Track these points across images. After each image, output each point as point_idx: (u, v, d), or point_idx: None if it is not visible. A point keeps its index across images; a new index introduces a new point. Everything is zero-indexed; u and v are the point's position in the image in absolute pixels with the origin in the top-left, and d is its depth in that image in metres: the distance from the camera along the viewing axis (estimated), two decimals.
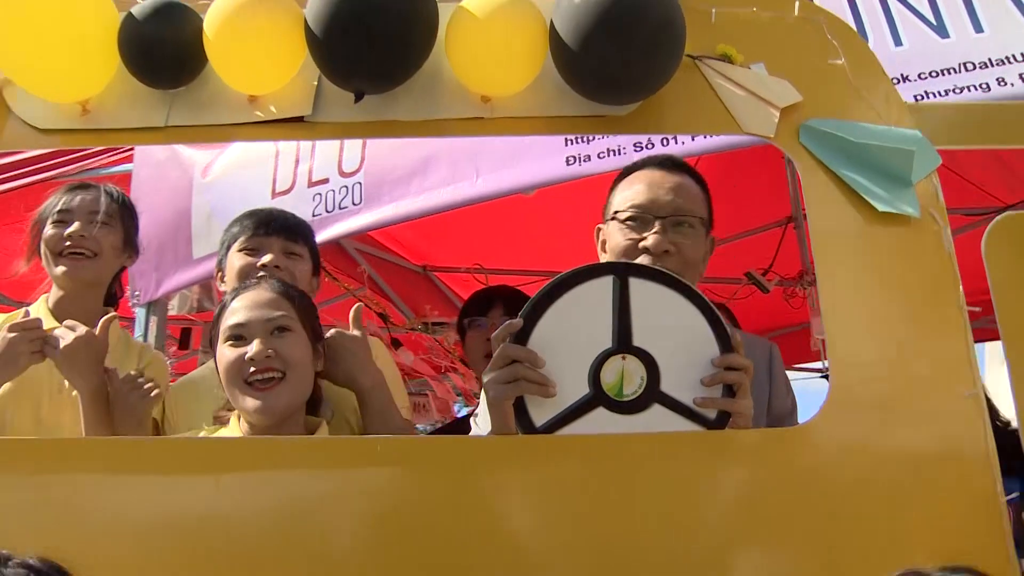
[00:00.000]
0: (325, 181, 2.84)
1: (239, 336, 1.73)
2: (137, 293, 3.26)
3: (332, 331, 1.92)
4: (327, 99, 1.64)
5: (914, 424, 1.51)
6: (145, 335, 3.38)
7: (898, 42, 2.32)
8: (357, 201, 2.73)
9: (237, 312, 1.75)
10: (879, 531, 1.44)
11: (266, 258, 2.03)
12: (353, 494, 1.47)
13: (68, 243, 2.06)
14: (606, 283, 1.49)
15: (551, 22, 1.57)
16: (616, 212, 1.82)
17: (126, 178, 3.29)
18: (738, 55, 1.72)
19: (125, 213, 2.17)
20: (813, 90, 1.70)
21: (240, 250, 2.06)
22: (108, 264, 2.12)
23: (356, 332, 1.95)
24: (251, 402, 1.69)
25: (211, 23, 1.57)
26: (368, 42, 1.50)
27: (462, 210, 2.79)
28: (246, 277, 1.98)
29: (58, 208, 2.10)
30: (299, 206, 2.71)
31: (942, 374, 1.52)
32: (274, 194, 2.91)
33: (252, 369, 1.69)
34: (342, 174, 2.80)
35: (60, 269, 2.06)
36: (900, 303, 1.57)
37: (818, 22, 1.76)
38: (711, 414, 1.47)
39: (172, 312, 3.83)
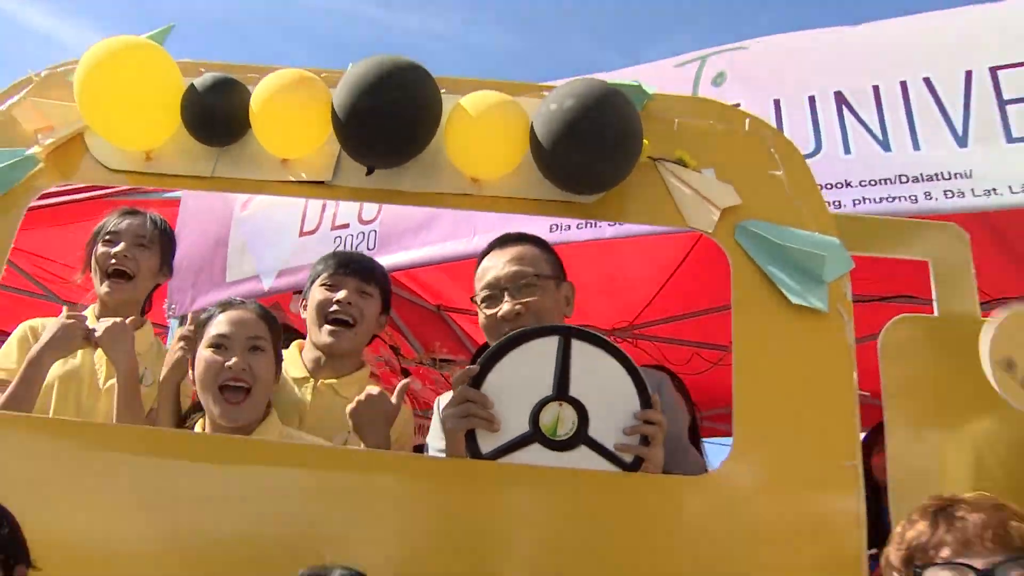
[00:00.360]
0: (346, 226, 3.20)
1: (220, 344, 2.06)
2: (173, 306, 3.60)
3: (377, 390, 2.15)
4: (345, 168, 1.98)
5: (799, 485, 1.79)
6: None
7: (847, 150, 2.58)
8: (371, 246, 3.08)
9: (223, 324, 2.09)
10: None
11: (341, 295, 2.35)
12: (333, 493, 1.79)
13: (113, 261, 2.47)
14: (552, 342, 1.80)
15: (532, 123, 1.90)
16: (475, 298, 2.12)
17: (177, 203, 3.67)
18: (691, 160, 2.01)
19: (164, 239, 2.57)
20: (753, 195, 1.99)
21: (321, 285, 2.38)
22: (144, 285, 2.53)
23: (393, 400, 2.17)
24: (219, 410, 2.01)
25: (256, 98, 1.92)
26: (380, 132, 1.84)
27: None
28: (323, 309, 2.34)
29: (109, 229, 2.50)
30: (321, 247, 3.07)
31: (828, 445, 1.80)
32: (301, 233, 3.27)
33: (227, 376, 2.01)
34: (361, 221, 3.17)
35: (104, 289, 2.47)
36: (801, 382, 1.85)
37: (764, 137, 2.06)
38: (628, 458, 1.77)
39: None
